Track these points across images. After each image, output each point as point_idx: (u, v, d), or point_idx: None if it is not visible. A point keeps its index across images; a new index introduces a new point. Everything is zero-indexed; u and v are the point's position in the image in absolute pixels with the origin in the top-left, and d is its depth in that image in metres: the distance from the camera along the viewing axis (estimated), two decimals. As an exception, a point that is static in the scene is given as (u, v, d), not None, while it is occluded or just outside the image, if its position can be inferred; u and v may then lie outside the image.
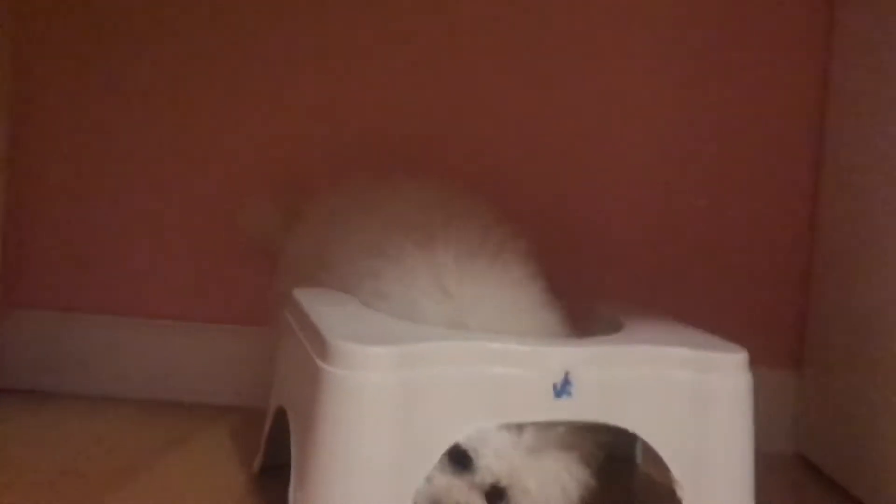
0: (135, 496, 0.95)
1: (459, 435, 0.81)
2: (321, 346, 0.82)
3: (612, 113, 1.30)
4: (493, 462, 0.80)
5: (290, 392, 0.91)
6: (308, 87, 1.32)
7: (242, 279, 1.34)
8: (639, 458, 1.13)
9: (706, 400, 0.89)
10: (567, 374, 0.85)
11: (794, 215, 1.28)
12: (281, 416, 0.96)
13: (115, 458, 1.07)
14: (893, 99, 1.05)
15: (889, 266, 1.03)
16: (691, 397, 0.89)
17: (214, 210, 1.34)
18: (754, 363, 0.89)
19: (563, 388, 0.85)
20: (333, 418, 0.79)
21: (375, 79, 1.31)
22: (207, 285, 1.35)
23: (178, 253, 1.35)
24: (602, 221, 1.31)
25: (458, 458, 0.80)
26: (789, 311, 1.27)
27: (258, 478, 1.01)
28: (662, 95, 1.29)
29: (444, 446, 0.81)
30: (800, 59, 1.27)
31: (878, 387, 1.02)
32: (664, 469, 0.88)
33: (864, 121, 1.14)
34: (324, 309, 0.93)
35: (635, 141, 1.30)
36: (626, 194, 1.30)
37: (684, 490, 0.88)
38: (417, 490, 0.80)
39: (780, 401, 1.23)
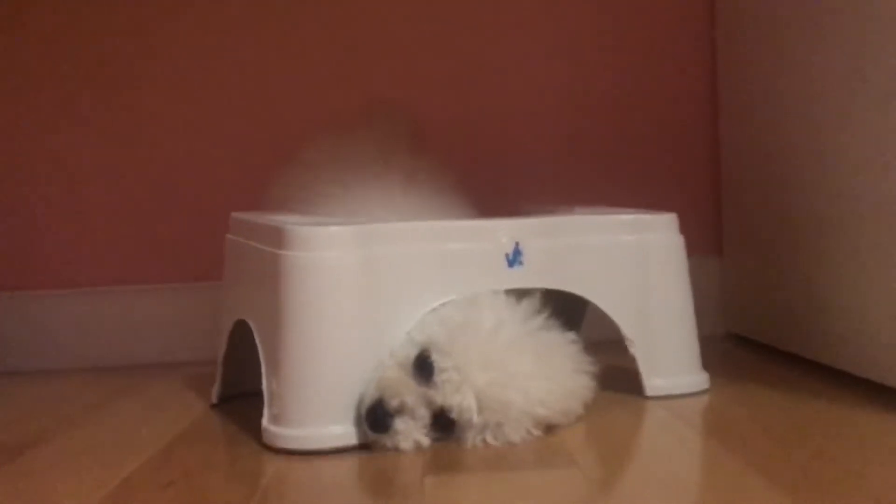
0: (89, 432, 0.93)
1: (422, 310, 0.84)
2: (279, 236, 0.82)
3: (517, 43, 1.36)
4: (450, 389, 0.78)
5: (249, 299, 0.91)
6: (234, 60, 1.34)
7: (172, 239, 1.33)
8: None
9: (646, 259, 0.95)
10: (517, 244, 0.89)
11: (698, 112, 1.35)
12: (236, 337, 0.96)
13: (67, 407, 1.05)
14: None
15: (791, 152, 1.11)
16: (633, 258, 0.94)
17: (147, 174, 1.33)
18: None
19: (514, 258, 0.89)
20: (298, 300, 0.80)
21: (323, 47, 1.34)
22: (137, 249, 1.33)
23: (110, 220, 1.33)
24: (519, 142, 1.36)
25: (423, 367, 0.80)
26: (705, 202, 1.35)
27: (216, 407, 1.00)
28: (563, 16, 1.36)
29: (409, 322, 0.83)
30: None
31: (791, 257, 1.11)
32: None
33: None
34: (271, 216, 0.94)
35: (541, 65, 1.36)
36: (537, 115, 1.36)
37: (636, 346, 0.94)
38: (370, 377, 0.80)
39: (706, 286, 1.30)
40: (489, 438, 0.80)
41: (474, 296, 0.85)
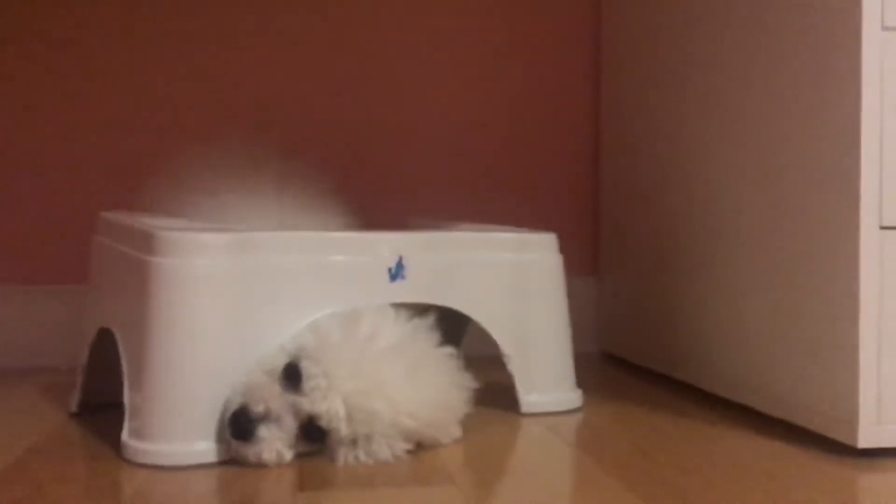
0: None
1: (299, 323, 0.81)
2: (147, 241, 0.79)
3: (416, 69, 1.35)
4: (318, 396, 0.76)
5: (113, 306, 0.87)
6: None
7: (33, 238, 1.25)
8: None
9: (526, 277, 0.96)
10: (400, 258, 0.88)
11: (580, 142, 1.39)
12: (99, 345, 0.91)
13: None
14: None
15: (663, 181, 1.15)
16: (513, 276, 0.95)
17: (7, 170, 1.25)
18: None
19: (397, 272, 0.88)
20: (166, 309, 0.77)
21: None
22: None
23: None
24: (407, 156, 1.35)
25: (292, 375, 0.78)
26: (584, 226, 1.39)
27: (75, 417, 0.95)
28: (457, 49, 1.36)
29: (283, 335, 0.80)
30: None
31: (660, 281, 1.15)
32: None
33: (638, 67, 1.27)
34: (141, 219, 0.89)
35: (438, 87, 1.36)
36: (426, 131, 1.36)
37: (513, 362, 0.94)
38: (236, 385, 0.77)
39: (583, 306, 1.33)
40: (361, 455, 0.78)
41: (356, 308, 0.84)
